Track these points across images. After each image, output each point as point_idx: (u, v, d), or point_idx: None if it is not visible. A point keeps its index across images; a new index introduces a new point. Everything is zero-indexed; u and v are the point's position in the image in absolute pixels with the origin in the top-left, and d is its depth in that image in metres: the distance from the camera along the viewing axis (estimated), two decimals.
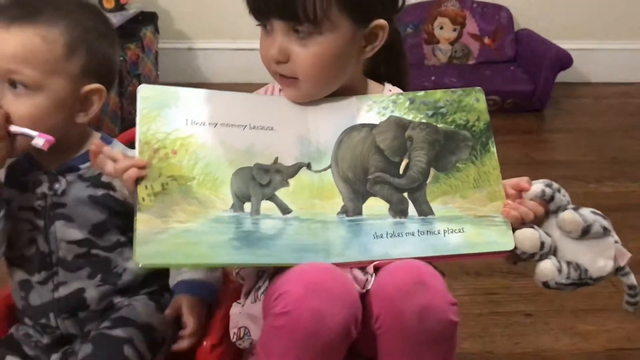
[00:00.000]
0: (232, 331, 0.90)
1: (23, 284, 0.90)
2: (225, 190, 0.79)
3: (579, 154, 2.08)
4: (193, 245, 0.74)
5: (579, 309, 1.33)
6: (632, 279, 0.84)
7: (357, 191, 0.83)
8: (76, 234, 0.87)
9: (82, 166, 0.87)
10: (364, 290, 0.77)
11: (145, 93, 0.81)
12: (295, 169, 0.83)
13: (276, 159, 0.82)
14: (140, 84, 2.10)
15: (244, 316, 0.88)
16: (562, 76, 2.49)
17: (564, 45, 2.44)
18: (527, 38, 2.55)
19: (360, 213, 0.82)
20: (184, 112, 0.81)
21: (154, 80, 2.31)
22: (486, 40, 2.57)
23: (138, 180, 0.75)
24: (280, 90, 0.90)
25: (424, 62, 2.53)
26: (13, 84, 0.81)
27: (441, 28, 2.54)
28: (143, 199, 0.75)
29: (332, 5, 0.81)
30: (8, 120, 0.81)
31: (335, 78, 0.86)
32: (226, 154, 0.80)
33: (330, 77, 0.86)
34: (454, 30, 2.55)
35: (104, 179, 0.87)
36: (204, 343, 0.89)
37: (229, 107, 0.84)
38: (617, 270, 0.84)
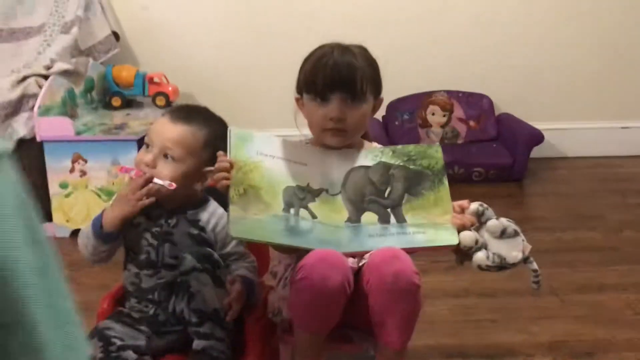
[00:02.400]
0: (269, 309, 1.31)
1: (134, 276, 1.33)
2: (280, 199, 1.22)
3: (549, 212, 2.48)
4: (262, 230, 1.18)
5: (532, 316, 1.72)
6: (535, 265, 1.25)
7: (358, 208, 1.27)
8: (175, 254, 1.31)
9: (189, 212, 1.33)
10: (358, 266, 1.19)
11: (234, 132, 1.24)
12: (319, 192, 1.27)
13: (308, 183, 1.26)
14: None
15: (277, 298, 1.30)
16: (540, 152, 2.90)
17: (540, 125, 2.84)
18: (506, 120, 2.98)
19: (359, 221, 1.25)
20: (256, 147, 1.25)
21: None
22: (472, 123, 3.02)
23: (230, 186, 1.18)
24: (306, 143, 1.36)
25: (419, 143, 2.98)
26: (165, 156, 1.28)
27: (433, 114, 3.01)
28: (233, 197, 1.18)
29: (368, 86, 1.28)
30: (151, 179, 1.27)
31: (361, 132, 1.34)
32: (279, 176, 1.24)
33: (361, 131, 1.33)
34: (444, 115, 3.02)
35: (201, 223, 1.32)
36: (250, 317, 1.30)
37: (282, 147, 1.28)
38: (525, 259, 1.24)
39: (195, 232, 1.32)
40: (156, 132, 1.30)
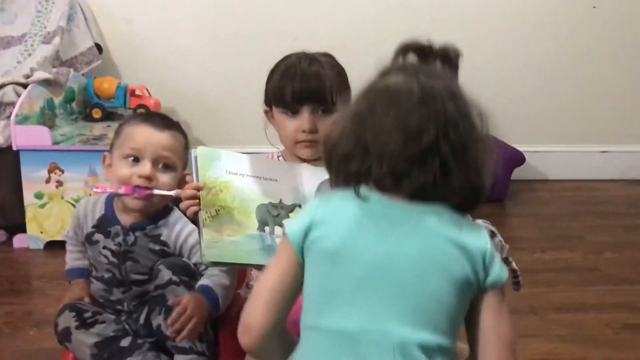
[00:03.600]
0: None
1: (103, 292, 1.31)
2: (253, 218, 1.18)
3: (529, 233, 2.47)
4: (237, 251, 1.13)
5: None
6: (514, 265, 1.22)
7: None
8: (140, 270, 1.28)
9: (147, 227, 1.29)
10: None
11: (200, 152, 1.20)
12: (292, 207, 1.23)
13: (280, 200, 1.23)
14: None
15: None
16: (521, 174, 2.93)
17: (521, 147, 2.89)
18: None
19: None
20: (224, 165, 1.20)
21: None
22: None
23: (199, 210, 1.13)
24: (278, 156, 1.34)
25: None
26: (156, 164, 1.26)
27: None
28: (205, 220, 1.13)
29: (338, 95, 1.25)
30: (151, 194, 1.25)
31: None
32: (250, 194, 1.20)
33: None
34: None
35: (162, 238, 1.28)
36: (225, 331, 1.27)
37: (250, 164, 1.24)
38: (505, 260, 1.23)
39: (157, 247, 1.29)
40: (146, 142, 1.25)
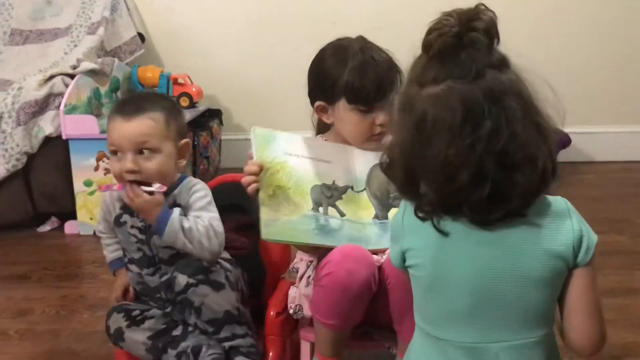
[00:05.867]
0: (290, 306, 1.30)
1: (138, 276, 1.33)
2: (308, 198, 1.20)
3: None
4: (293, 230, 1.16)
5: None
6: None
7: (384, 205, 1.25)
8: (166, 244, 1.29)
9: (169, 195, 1.28)
10: (380, 263, 1.18)
11: (257, 132, 1.23)
12: (344, 189, 1.25)
13: (334, 181, 1.24)
14: (209, 165, 2.59)
15: (299, 296, 1.28)
16: (568, 156, 2.87)
17: (567, 129, 2.83)
18: None
19: (386, 218, 1.24)
20: (281, 146, 1.23)
21: (217, 164, 2.79)
22: None
23: (259, 189, 1.17)
24: (325, 139, 1.34)
25: None
26: (140, 152, 1.25)
27: None
28: (264, 199, 1.16)
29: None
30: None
31: None
32: (305, 175, 1.22)
33: None
34: None
35: (178, 201, 1.29)
36: (271, 312, 1.29)
37: (305, 145, 1.26)
38: None
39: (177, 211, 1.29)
40: (119, 136, 1.25)
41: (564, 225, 0.86)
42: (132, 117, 1.25)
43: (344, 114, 1.27)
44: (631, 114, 3.08)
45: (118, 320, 1.30)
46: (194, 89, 2.70)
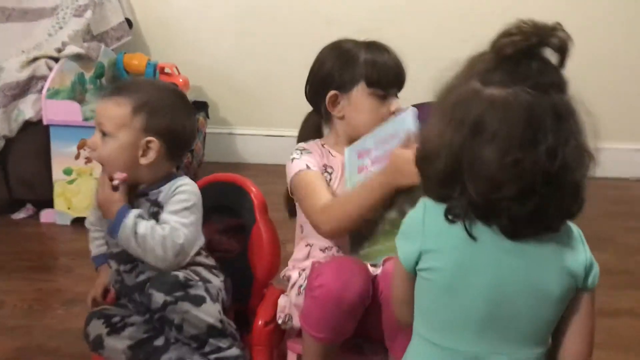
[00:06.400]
0: (280, 315, 1.26)
1: (116, 273, 1.27)
2: None
3: None
4: None
5: None
6: None
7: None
8: None
9: (151, 192, 1.24)
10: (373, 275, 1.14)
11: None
12: None
13: None
14: (192, 158, 2.53)
15: (290, 306, 1.24)
16: None
17: None
18: None
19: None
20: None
21: (201, 158, 2.72)
22: None
23: None
24: (322, 144, 1.30)
25: None
26: (104, 134, 1.22)
27: None
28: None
29: None
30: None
31: None
32: None
33: None
34: None
35: (159, 199, 1.23)
36: (259, 321, 1.25)
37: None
38: None
39: (155, 210, 1.24)
40: (96, 112, 1.26)
41: (579, 247, 0.88)
42: (106, 97, 1.25)
43: (361, 100, 1.24)
44: (620, 131, 3.10)
45: (98, 327, 1.24)
46: (180, 80, 2.63)
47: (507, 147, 0.79)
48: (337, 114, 1.28)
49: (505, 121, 0.80)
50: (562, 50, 0.82)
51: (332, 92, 1.26)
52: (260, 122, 3.00)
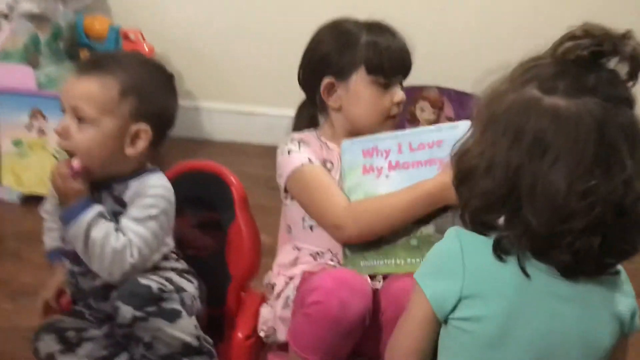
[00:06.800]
0: (262, 328, 1.13)
1: (70, 274, 1.11)
2: None
3: None
4: None
5: None
6: None
7: None
8: None
9: (115, 186, 1.08)
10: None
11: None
12: None
13: None
14: None
15: (273, 317, 1.11)
16: None
17: None
18: None
19: None
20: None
21: None
22: None
23: None
24: (320, 136, 1.17)
25: None
26: (80, 119, 1.04)
27: (422, 110, 2.87)
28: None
29: None
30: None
31: None
32: None
33: None
34: (434, 113, 2.87)
35: (125, 198, 1.07)
36: (239, 334, 1.11)
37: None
38: None
39: (117, 208, 1.08)
40: (64, 92, 1.05)
41: (627, 289, 0.79)
42: (83, 74, 1.05)
43: (360, 88, 1.11)
44: None
45: (49, 344, 1.07)
46: (146, 48, 2.44)
47: (578, 172, 0.68)
48: (333, 104, 1.14)
49: (574, 139, 0.68)
50: (635, 60, 0.71)
51: (327, 80, 1.12)
52: (228, 96, 2.83)
